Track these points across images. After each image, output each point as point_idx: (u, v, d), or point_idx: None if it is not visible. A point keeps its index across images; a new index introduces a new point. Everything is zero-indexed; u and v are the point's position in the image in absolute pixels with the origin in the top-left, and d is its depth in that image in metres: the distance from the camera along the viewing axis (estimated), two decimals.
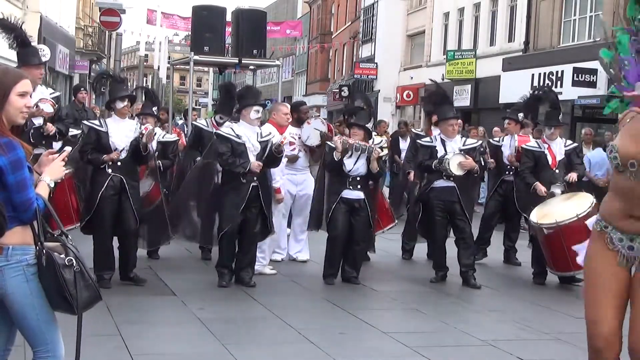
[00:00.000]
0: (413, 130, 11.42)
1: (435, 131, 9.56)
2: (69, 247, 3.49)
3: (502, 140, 10.34)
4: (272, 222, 8.06)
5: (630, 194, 3.80)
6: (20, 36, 7.28)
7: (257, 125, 8.00)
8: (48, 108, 7.27)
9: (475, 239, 9.74)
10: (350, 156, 8.18)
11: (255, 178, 7.78)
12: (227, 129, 8.12)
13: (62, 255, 3.44)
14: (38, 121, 7.38)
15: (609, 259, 3.91)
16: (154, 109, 9.40)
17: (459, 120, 9.01)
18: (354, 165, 8.20)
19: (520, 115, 10.00)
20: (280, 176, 8.72)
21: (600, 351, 3.97)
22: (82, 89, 13.59)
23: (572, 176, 8.80)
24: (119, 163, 7.56)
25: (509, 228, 10.19)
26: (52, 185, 3.53)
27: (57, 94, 7.84)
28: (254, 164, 7.69)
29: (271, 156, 7.87)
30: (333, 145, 8.22)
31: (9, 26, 7.23)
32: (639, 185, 3.75)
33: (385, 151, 9.87)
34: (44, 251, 3.41)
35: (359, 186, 8.25)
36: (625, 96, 4.23)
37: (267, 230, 8.04)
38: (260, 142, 7.87)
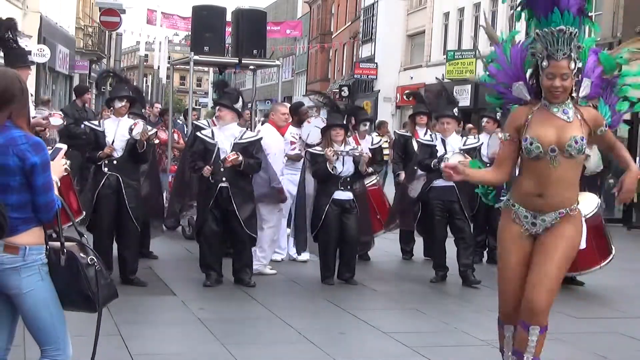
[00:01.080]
0: (397, 131, 11.37)
1: (421, 132, 9.57)
2: (87, 247, 3.56)
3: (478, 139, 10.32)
4: (252, 226, 7.89)
5: (546, 176, 4.36)
6: (13, 37, 7.26)
7: (223, 124, 7.91)
8: (56, 121, 7.28)
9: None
10: (337, 159, 8.19)
11: (224, 179, 7.75)
12: (208, 130, 8.16)
13: (82, 255, 3.50)
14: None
15: (514, 232, 4.55)
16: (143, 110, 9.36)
17: (460, 121, 9.01)
18: (344, 167, 8.22)
19: (499, 114, 10.01)
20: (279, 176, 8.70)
21: (510, 315, 4.76)
22: (89, 90, 13.65)
23: None
24: (115, 162, 7.59)
25: (494, 227, 10.15)
26: (59, 183, 3.56)
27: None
28: (205, 168, 7.69)
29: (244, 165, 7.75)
30: (314, 153, 8.25)
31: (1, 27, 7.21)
32: (556, 169, 4.33)
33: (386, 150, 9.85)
34: (64, 251, 3.45)
35: (349, 186, 8.30)
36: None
37: (250, 236, 7.87)
38: (235, 144, 7.82)
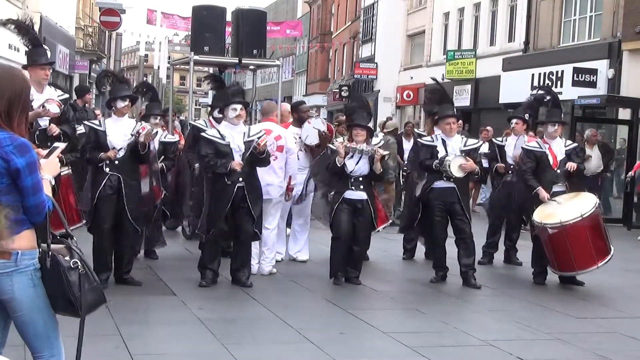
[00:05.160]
0: (416, 130, 11.37)
1: (438, 131, 9.54)
2: (73, 249, 3.46)
3: (505, 140, 10.32)
4: (260, 224, 7.93)
5: None
6: (33, 37, 7.29)
7: (239, 123, 7.88)
8: (54, 108, 7.16)
9: (485, 243, 9.78)
10: (352, 157, 8.15)
11: (240, 179, 7.72)
12: (213, 130, 8.07)
13: (67, 258, 3.41)
14: (44, 122, 7.27)
15: None
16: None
17: (459, 121, 9.00)
18: (356, 166, 8.15)
19: (526, 115, 9.95)
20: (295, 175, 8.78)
21: None
22: (90, 90, 13.65)
23: (572, 165, 8.71)
24: (116, 162, 7.54)
25: (510, 228, 10.17)
26: (53, 182, 3.52)
27: (65, 96, 7.74)
28: (235, 163, 7.61)
29: (254, 156, 7.76)
30: (334, 148, 8.18)
31: (24, 28, 7.23)
32: None
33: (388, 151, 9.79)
34: (49, 253, 3.37)
35: (361, 186, 8.20)
36: None
37: (256, 233, 7.91)
38: (246, 143, 7.79)
